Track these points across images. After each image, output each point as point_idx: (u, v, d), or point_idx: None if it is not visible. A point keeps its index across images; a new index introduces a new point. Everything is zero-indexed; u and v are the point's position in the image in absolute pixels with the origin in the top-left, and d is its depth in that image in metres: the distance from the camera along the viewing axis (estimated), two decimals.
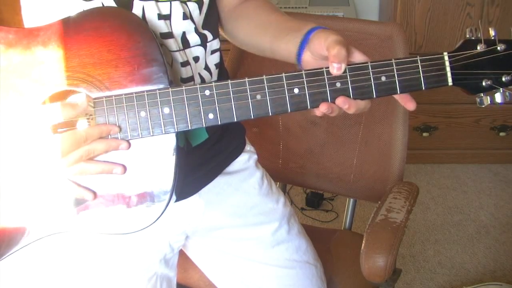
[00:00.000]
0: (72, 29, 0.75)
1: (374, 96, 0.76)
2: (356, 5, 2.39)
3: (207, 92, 0.74)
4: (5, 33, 0.75)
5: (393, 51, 1.25)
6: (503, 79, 0.75)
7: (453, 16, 2.20)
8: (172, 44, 0.84)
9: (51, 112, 0.74)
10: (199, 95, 0.74)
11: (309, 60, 0.82)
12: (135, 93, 0.74)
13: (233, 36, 0.98)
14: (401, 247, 1.03)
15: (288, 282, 1.09)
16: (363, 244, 1.00)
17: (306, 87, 0.75)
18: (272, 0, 2.43)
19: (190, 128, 0.75)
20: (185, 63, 0.86)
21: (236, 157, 1.05)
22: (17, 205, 0.76)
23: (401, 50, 1.25)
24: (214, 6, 0.93)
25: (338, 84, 0.75)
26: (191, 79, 0.87)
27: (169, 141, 0.76)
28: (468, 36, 0.75)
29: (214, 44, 0.91)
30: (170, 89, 0.74)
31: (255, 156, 1.09)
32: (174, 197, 0.77)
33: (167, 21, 0.83)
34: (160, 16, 0.82)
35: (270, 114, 0.75)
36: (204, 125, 0.75)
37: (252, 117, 0.75)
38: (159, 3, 0.82)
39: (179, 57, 0.85)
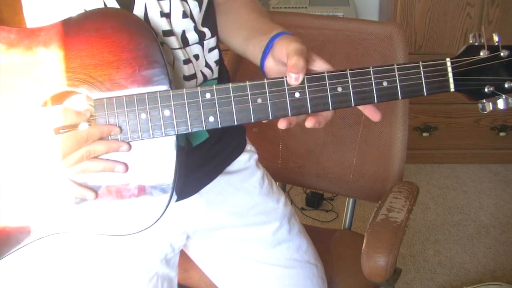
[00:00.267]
0: (73, 29, 0.75)
1: (375, 101, 0.75)
2: (356, 5, 2.39)
3: (208, 95, 0.74)
4: (6, 32, 0.75)
5: (393, 51, 1.25)
6: (506, 85, 0.75)
7: (453, 16, 2.20)
8: (174, 41, 0.84)
9: (54, 114, 0.74)
10: (200, 98, 0.74)
11: (271, 65, 0.82)
12: (136, 95, 0.74)
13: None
14: (401, 247, 1.03)
15: (288, 282, 1.09)
16: (364, 244, 1.00)
17: (307, 91, 0.75)
18: (272, 0, 2.43)
19: (190, 130, 0.75)
20: (187, 61, 0.86)
21: (237, 157, 1.05)
22: (18, 205, 0.76)
23: (401, 50, 1.25)
24: (212, 2, 0.94)
25: (339, 89, 0.75)
26: (193, 76, 0.87)
27: (170, 141, 0.76)
28: (471, 41, 0.75)
29: (211, 42, 0.91)
30: (171, 92, 0.74)
31: (256, 156, 1.09)
32: (174, 197, 0.77)
33: (168, 19, 0.83)
34: (162, 14, 0.82)
35: (271, 118, 0.75)
36: (204, 128, 0.75)
37: (253, 120, 0.75)
38: (160, 1, 0.82)
39: (181, 55, 0.85)
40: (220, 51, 0.95)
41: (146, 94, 0.74)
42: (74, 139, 0.73)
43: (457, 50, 0.76)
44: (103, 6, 0.78)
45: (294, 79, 0.74)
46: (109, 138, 0.75)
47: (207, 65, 0.91)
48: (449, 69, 0.75)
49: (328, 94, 0.75)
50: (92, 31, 0.75)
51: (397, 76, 0.74)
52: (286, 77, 0.74)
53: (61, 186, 0.76)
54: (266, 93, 0.74)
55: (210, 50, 0.91)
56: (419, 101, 2.33)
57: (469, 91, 0.76)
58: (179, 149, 0.77)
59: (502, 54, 0.74)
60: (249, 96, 0.74)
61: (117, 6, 0.79)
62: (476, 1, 2.16)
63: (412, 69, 0.74)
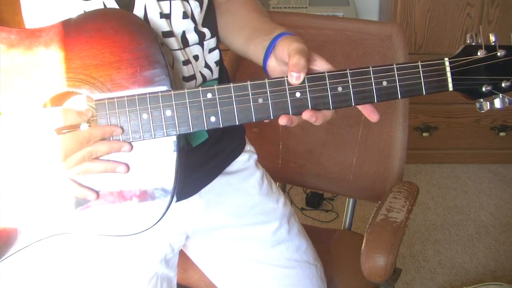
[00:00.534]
0: (74, 30, 0.75)
1: (375, 100, 0.76)
2: (356, 5, 2.39)
3: (209, 95, 0.74)
4: (7, 33, 0.75)
5: (393, 51, 1.25)
6: (503, 85, 0.76)
7: (453, 16, 2.20)
8: (174, 42, 0.84)
9: (55, 114, 0.74)
10: (201, 98, 0.74)
11: (274, 65, 0.82)
12: (137, 95, 0.74)
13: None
14: (401, 247, 1.03)
15: (288, 282, 1.09)
16: (363, 244, 1.00)
17: (308, 91, 0.75)
18: (272, 0, 2.43)
19: (192, 130, 0.75)
20: (187, 62, 0.86)
21: (236, 157, 1.05)
22: (19, 206, 0.76)
23: (401, 50, 1.25)
24: (212, 3, 0.94)
25: (339, 89, 0.75)
26: (192, 77, 0.87)
27: (170, 142, 0.76)
28: (468, 41, 0.76)
29: (211, 42, 0.91)
30: (172, 92, 0.74)
31: (255, 156, 1.09)
32: (175, 198, 0.77)
33: (168, 20, 0.83)
34: (162, 15, 0.82)
35: (272, 117, 0.75)
36: (206, 128, 0.75)
37: (254, 120, 0.75)
38: (160, 2, 0.82)
39: (181, 55, 0.85)
40: (220, 51, 0.95)
41: (147, 94, 0.74)
42: (76, 140, 0.73)
43: (457, 50, 0.76)
44: (102, 7, 0.78)
45: (295, 78, 0.74)
46: (111, 138, 0.75)
47: (207, 65, 0.91)
48: (448, 69, 0.75)
49: (328, 94, 0.75)
50: (93, 32, 0.75)
51: (396, 75, 0.75)
52: (287, 77, 0.75)
53: (62, 186, 0.76)
54: (267, 93, 0.75)
55: (210, 50, 0.91)
56: (419, 101, 2.33)
57: (467, 91, 0.77)
58: (179, 150, 0.77)
59: (499, 54, 0.75)
60: (250, 96, 0.75)
61: (116, 7, 0.79)
62: (476, 1, 2.16)
63: (411, 68, 0.75)
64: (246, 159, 1.07)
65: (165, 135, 0.75)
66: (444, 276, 1.94)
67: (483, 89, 0.76)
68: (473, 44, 0.75)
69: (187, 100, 0.74)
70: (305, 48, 0.76)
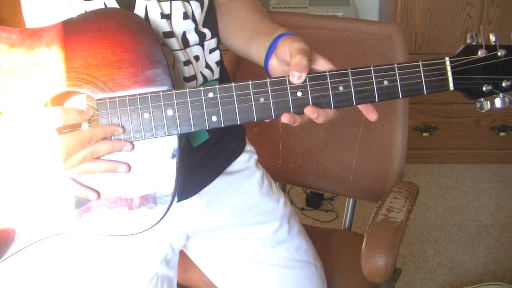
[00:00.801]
0: (75, 30, 0.75)
1: (376, 100, 0.76)
2: (356, 5, 2.39)
3: (210, 95, 0.75)
4: (8, 33, 0.75)
5: (393, 51, 1.25)
6: (503, 84, 0.76)
7: (453, 16, 2.20)
8: (174, 43, 0.84)
9: (56, 114, 0.74)
10: (203, 98, 0.75)
11: (275, 65, 0.82)
12: (139, 95, 0.74)
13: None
14: (401, 247, 1.03)
15: (288, 282, 1.09)
16: (363, 244, 1.00)
17: (309, 90, 0.75)
18: (272, 0, 2.43)
19: (193, 130, 0.75)
20: (187, 62, 0.86)
21: (237, 157, 1.05)
22: (20, 205, 0.76)
23: (401, 50, 1.25)
24: (212, 3, 0.94)
25: (341, 88, 0.75)
26: (193, 77, 0.87)
27: (171, 143, 0.76)
28: (469, 41, 0.76)
29: (212, 42, 0.91)
30: (173, 92, 0.74)
31: (255, 156, 1.10)
32: (176, 198, 0.77)
33: (168, 21, 0.83)
34: (163, 15, 0.82)
35: (273, 117, 0.75)
36: (207, 127, 0.75)
37: (255, 119, 0.75)
38: (161, 3, 0.82)
39: (182, 56, 0.85)
40: (221, 52, 0.95)
41: (149, 94, 0.74)
42: (77, 139, 0.73)
43: (457, 50, 0.77)
44: (103, 7, 0.78)
45: (297, 77, 0.74)
46: (112, 138, 0.75)
47: (208, 66, 0.91)
48: (448, 68, 0.76)
49: (330, 93, 0.75)
50: (94, 32, 0.75)
51: (397, 75, 0.75)
52: (288, 76, 0.75)
53: (63, 186, 0.76)
54: (268, 92, 0.75)
55: (211, 51, 0.91)
56: (419, 101, 2.33)
57: (467, 90, 0.77)
58: (181, 151, 0.77)
59: (499, 53, 0.75)
60: (252, 95, 0.75)
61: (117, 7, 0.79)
62: (476, 1, 2.16)
63: (412, 68, 0.75)
64: (247, 159, 1.07)
65: (167, 134, 0.75)
66: (444, 276, 1.94)
67: (484, 88, 0.76)
68: (474, 43, 0.76)
69: (189, 99, 0.74)
70: (307, 47, 0.77)
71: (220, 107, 0.75)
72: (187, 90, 0.75)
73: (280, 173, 1.45)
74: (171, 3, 0.83)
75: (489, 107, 0.77)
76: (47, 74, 0.75)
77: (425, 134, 2.46)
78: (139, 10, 0.80)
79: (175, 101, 0.74)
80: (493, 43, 0.75)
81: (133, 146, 0.76)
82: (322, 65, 0.78)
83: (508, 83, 0.76)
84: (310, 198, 2.31)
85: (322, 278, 1.14)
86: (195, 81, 0.88)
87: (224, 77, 0.97)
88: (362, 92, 0.75)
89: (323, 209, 2.30)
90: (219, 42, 0.94)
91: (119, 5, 0.79)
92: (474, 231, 2.15)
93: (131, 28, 0.75)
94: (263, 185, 1.08)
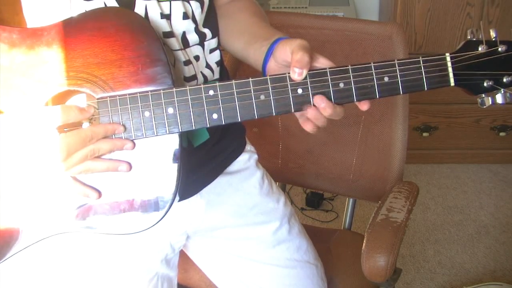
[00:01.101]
0: (75, 29, 0.75)
1: (377, 96, 0.76)
2: (356, 5, 2.39)
3: (211, 92, 0.75)
4: (8, 33, 0.75)
5: (393, 51, 1.25)
6: (504, 80, 0.76)
7: (453, 16, 2.20)
8: (174, 43, 0.84)
9: (57, 112, 0.73)
10: (203, 95, 0.75)
11: (274, 68, 0.82)
12: (139, 93, 0.74)
13: None
14: (401, 247, 1.03)
15: (289, 282, 1.09)
16: (364, 244, 1.00)
17: (309, 87, 0.75)
18: (272, 0, 2.43)
19: (194, 128, 0.75)
20: (187, 62, 0.86)
21: (237, 157, 1.05)
22: (21, 204, 0.76)
23: (401, 50, 1.25)
24: (213, 3, 0.94)
25: (341, 85, 0.75)
26: (194, 77, 0.87)
27: (172, 142, 0.76)
28: (469, 37, 0.76)
29: (212, 42, 0.91)
30: (174, 89, 0.74)
31: (256, 156, 1.10)
32: (177, 197, 0.77)
33: (168, 21, 0.83)
34: (162, 15, 0.82)
35: (274, 114, 0.76)
36: (208, 125, 0.75)
37: (256, 117, 0.75)
38: (160, 3, 0.82)
39: (182, 56, 0.85)
40: (221, 52, 0.95)
41: (149, 92, 0.74)
42: (78, 138, 0.73)
43: (458, 46, 0.77)
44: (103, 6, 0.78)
45: (297, 74, 0.74)
46: (113, 136, 0.75)
47: (208, 66, 0.91)
48: (449, 64, 0.76)
49: (330, 90, 0.75)
50: (95, 30, 0.75)
51: (398, 71, 0.75)
52: (289, 73, 0.75)
53: (64, 185, 0.76)
54: (269, 89, 0.75)
55: (211, 51, 0.91)
56: (419, 101, 2.33)
57: (468, 86, 0.77)
58: (182, 150, 0.77)
59: (500, 49, 0.75)
60: (252, 93, 0.75)
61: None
62: (476, 1, 2.16)
63: (412, 64, 0.75)
64: (247, 159, 1.07)
65: (168, 132, 0.75)
66: (444, 276, 1.94)
67: (485, 84, 0.76)
68: (474, 39, 0.76)
69: (189, 97, 0.75)
70: (308, 45, 0.77)
71: (220, 104, 0.75)
72: (188, 88, 0.75)
73: (280, 173, 1.45)
74: (170, 3, 0.83)
75: (490, 103, 0.77)
76: (48, 74, 0.75)
77: (425, 134, 2.46)
78: (139, 10, 0.80)
79: (175, 99, 0.74)
80: (493, 39, 0.75)
81: (134, 144, 0.76)
82: (323, 63, 0.78)
83: (509, 78, 0.76)
84: (310, 198, 2.31)
85: (322, 278, 1.14)
86: (196, 81, 0.88)
87: (224, 77, 0.97)
88: (362, 89, 0.76)
89: (323, 209, 2.30)
90: (219, 42, 0.94)
91: (119, 5, 0.79)
92: (474, 231, 2.15)
93: (131, 26, 0.75)
94: (263, 185, 1.08)
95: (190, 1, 0.86)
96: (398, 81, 0.75)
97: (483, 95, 0.77)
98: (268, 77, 0.75)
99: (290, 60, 0.76)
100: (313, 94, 0.75)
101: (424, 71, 0.75)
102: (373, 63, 0.75)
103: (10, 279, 0.94)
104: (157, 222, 0.77)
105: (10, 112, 0.74)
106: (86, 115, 0.74)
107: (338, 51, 1.32)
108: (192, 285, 1.22)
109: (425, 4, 2.19)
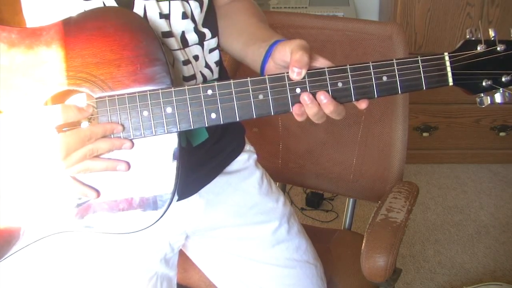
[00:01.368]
0: (74, 29, 0.75)
1: (375, 95, 0.76)
2: (356, 5, 2.39)
3: (209, 92, 0.75)
4: (7, 32, 0.75)
5: (393, 51, 1.25)
6: (503, 79, 0.76)
7: (453, 16, 2.20)
8: (173, 43, 0.84)
9: (56, 112, 0.73)
10: (202, 95, 0.75)
11: (272, 69, 0.82)
12: (138, 92, 0.74)
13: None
14: (401, 247, 1.03)
15: (288, 282, 1.09)
16: (363, 244, 1.00)
17: (308, 86, 0.75)
18: (272, 0, 2.43)
19: (192, 127, 0.75)
20: (186, 62, 0.86)
21: (236, 157, 1.05)
22: (19, 204, 0.76)
23: (401, 50, 1.25)
24: (212, 3, 0.94)
25: (339, 84, 0.75)
26: (193, 77, 0.87)
27: (171, 141, 0.76)
28: (468, 36, 0.76)
29: (212, 42, 0.91)
30: (172, 89, 0.74)
31: (255, 156, 1.10)
32: (176, 197, 0.77)
33: (167, 20, 0.83)
34: (161, 15, 0.82)
35: (272, 113, 0.76)
36: (206, 125, 0.75)
37: (255, 116, 0.75)
38: (159, 2, 0.82)
39: (181, 55, 0.85)
40: (220, 51, 0.95)
41: (148, 91, 0.74)
42: (77, 137, 0.73)
43: (456, 45, 0.77)
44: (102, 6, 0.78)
45: (296, 73, 0.74)
46: (112, 136, 0.75)
47: (207, 65, 0.91)
48: (448, 63, 0.76)
49: (329, 89, 0.75)
50: (93, 30, 0.75)
51: (396, 70, 0.75)
52: (287, 73, 0.75)
53: (63, 184, 0.76)
54: (267, 89, 0.75)
55: (211, 50, 0.92)
56: (419, 101, 2.33)
57: (467, 85, 0.77)
58: (181, 150, 0.77)
59: (498, 48, 0.75)
60: (251, 92, 0.75)
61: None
62: (476, 1, 2.16)
63: (411, 63, 0.75)
64: (246, 159, 1.07)
65: (166, 132, 0.75)
66: (444, 276, 1.94)
67: (483, 83, 0.76)
68: (473, 39, 0.76)
69: (188, 97, 0.75)
70: (307, 45, 0.77)
71: (219, 104, 0.75)
72: (186, 87, 0.75)
73: (280, 173, 1.45)
74: (169, 3, 0.83)
75: (489, 102, 0.77)
76: (47, 73, 0.75)
77: (425, 134, 2.46)
78: (137, 10, 0.80)
79: (174, 99, 0.74)
80: (492, 38, 0.75)
81: (133, 144, 0.76)
82: (322, 63, 0.78)
83: (508, 77, 0.76)
84: (310, 198, 2.31)
85: (322, 278, 1.14)
86: (195, 80, 0.88)
87: (223, 77, 0.97)
88: (361, 88, 0.76)
89: (323, 209, 2.30)
90: (219, 42, 0.94)
91: (118, 4, 0.79)
92: (474, 231, 2.15)
93: (130, 26, 0.75)
94: (262, 185, 1.08)
95: (189, 1, 0.86)
96: (396, 80, 0.75)
97: (482, 95, 0.77)
98: (266, 76, 0.75)
99: (289, 60, 0.76)
100: (312, 94, 0.75)
101: (422, 71, 0.75)
102: (372, 62, 0.76)
103: (10, 279, 0.94)
104: (156, 221, 0.77)
105: (9, 112, 0.74)
106: (85, 114, 0.74)
107: (338, 51, 1.32)
108: (192, 285, 1.22)
109: (425, 4, 2.19)
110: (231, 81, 0.75)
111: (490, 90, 0.76)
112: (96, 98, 0.75)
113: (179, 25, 0.85)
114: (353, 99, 0.76)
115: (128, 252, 0.94)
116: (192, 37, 0.87)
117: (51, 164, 0.73)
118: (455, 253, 2.04)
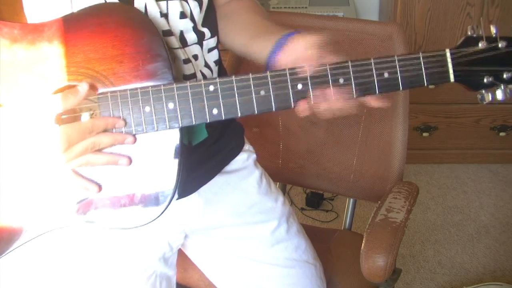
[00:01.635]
0: (76, 24, 0.75)
1: (377, 92, 0.76)
2: (356, 5, 2.39)
3: (211, 88, 0.75)
4: (10, 28, 0.75)
5: (393, 51, 1.25)
6: (504, 76, 0.76)
7: (453, 16, 2.20)
8: (173, 41, 0.84)
9: (53, 101, 0.73)
10: (203, 91, 0.75)
11: (285, 62, 0.81)
12: (140, 88, 0.74)
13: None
14: (401, 247, 1.04)
15: (287, 282, 1.09)
16: (363, 244, 1.00)
17: (309, 83, 0.75)
18: (272, 0, 2.43)
19: (194, 123, 0.75)
20: (187, 61, 0.86)
21: (235, 156, 1.05)
22: (20, 198, 0.76)
23: (401, 50, 1.25)
24: (212, 3, 0.94)
25: (341, 80, 0.75)
26: (193, 76, 0.88)
27: (173, 138, 0.76)
28: (469, 33, 0.76)
29: (211, 42, 0.91)
30: (174, 85, 0.75)
31: (254, 155, 1.10)
32: (175, 196, 0.77)
33: (167, 19, 0.83)
34: (161, 14, 0.82)
35: (274, 109, 0.76)
36: (208, 121, 0.75)
37: (256, 112, 0.75)
38: (159, 2, 0.82)
39: (181, 54, 0.85)
40: (219, 51, 0.95)
41: (150, 87, 0.74)
42: (78, 130, 0.73)
43: (458, 42, 0.77)
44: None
45: (310, 69, 0.74)
46: (113, 131, 0.75)
47: (207, 65, 0.91)
48: (449, 60, 0.76)
49: (330, 86, 0.75)
50: (95, 26, 0.75)
51: (397, 67, 0.75)
52: (288, 69, 0.75)
53: (64, 178, 0.76)
54: (269, 85, 0.75)
55: (210, 50, 0.92)
56: (419, 101, 2.32)
57: (468, 82, 0.77)
58: (182, 147, 0.77)
59: (500, 45, 0.75)
60: (252, 88, 0.75)
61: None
62: (476, 1, 2.16)
63: (412, 60, 0.75)
64: (245, 158, 1.07)
65: (168, 127, 0.75)
66: (444, 276, 1.94)
67: (485, 80, 0.76)
68: (474, 35, 0.76)
69: (190, 92, 0.75)
70: (322, 42, 0.77)
71: (220, 100, 0.75)
72: (188, 83, 0.75)
73: (280, 173, 1.45)
74: (167, 2, 0.83)
75: (490, 99, 0.77)
76: (49, 69, 0.75)
77: (425, 134, 2.46)
78: (138, 8, 0.80)
79: (176, 94, 0.74)
80: (493, 35, 0.75)
81: (135, 138, 0.76)
82: (333, 59, 0.78)
83: (509, 74, 0.76)
84: (310, 198, 2.30)
85: (321, 278, 1.14)
86: (195, 79, 0.88)
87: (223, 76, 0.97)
88: (362, 84, 0.76)
89: (323, 209, 2.30)
90: (218, 42, 0.94)
91: (119, 1, 0.79)
92: (474, 231, 2.15)
93: (131, 22, 0.75)
94: (261, 184, 1.08)
95: (189, 1, 0.86)
96: (398, 76, 0.75)
97: (483, 91, 0.77)
98: (268, 72, 0.75)
99: (302, 54, 0.76)
100: (313, 90, 0.75)
101: (424, 67, 0.75)
102: (373, 58, 0.75)
103: (9, 277, 0.94)
104: (157, 217, 0.77)
105: (8, 105, 0.74)
106: (80, 95, 0.73)
107: (338, 51, 1.32)
108: (191, 285, 1.22)
109: (425, 4, 2.19)
110: (233, 77, 0.75)
111: (491, 87, 0.77)
112: (98, 94, 0.75)
113: (178, 24, 0.85)
114: (354, 96, 0.76)
115: (127, 251, 0.95)
116: (191, 37, 0.87)
117: (52, 156, 0.73)
118: (455, 253, 2.04)
